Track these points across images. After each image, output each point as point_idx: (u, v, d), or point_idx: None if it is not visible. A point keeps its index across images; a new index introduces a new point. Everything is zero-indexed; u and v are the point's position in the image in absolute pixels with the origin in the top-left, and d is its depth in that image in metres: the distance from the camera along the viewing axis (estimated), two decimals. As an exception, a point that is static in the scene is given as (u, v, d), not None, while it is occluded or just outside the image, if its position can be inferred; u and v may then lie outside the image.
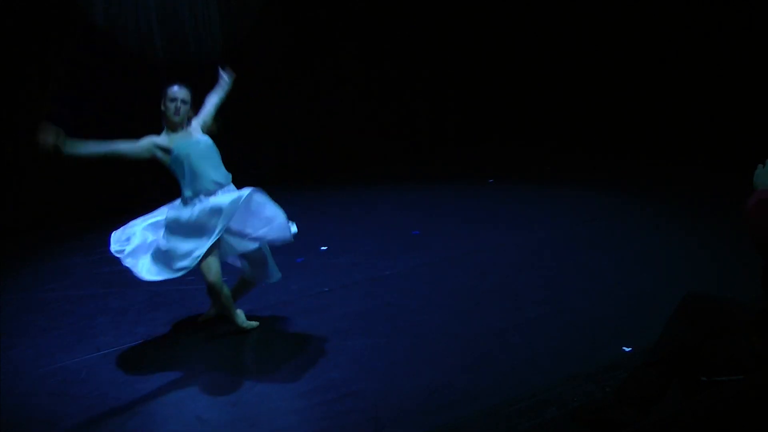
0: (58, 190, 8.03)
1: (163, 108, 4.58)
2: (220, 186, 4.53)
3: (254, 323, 4.64)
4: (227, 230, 4.32)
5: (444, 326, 4.48)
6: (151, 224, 4.65)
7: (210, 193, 4.48)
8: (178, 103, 4.53)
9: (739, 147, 8.15)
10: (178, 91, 4.58)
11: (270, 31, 9.13)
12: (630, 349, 3.86)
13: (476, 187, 8.51)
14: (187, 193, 4.54)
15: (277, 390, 3.76)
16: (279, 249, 6.40)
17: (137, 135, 6.94)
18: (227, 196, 4.38)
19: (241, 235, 4.43)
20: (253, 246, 4.50)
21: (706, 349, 2.69)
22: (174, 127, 4.58)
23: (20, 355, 4.44)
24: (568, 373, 3.65)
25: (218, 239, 4.30)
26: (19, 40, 7.68)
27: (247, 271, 4.75)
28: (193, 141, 4.58)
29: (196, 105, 4.78)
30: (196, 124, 4.66)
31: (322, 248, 6.37)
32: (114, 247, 4.49)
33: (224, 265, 4.54)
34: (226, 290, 4.43)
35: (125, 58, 8.31)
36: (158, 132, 4.72)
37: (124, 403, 3.72)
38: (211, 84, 8.88)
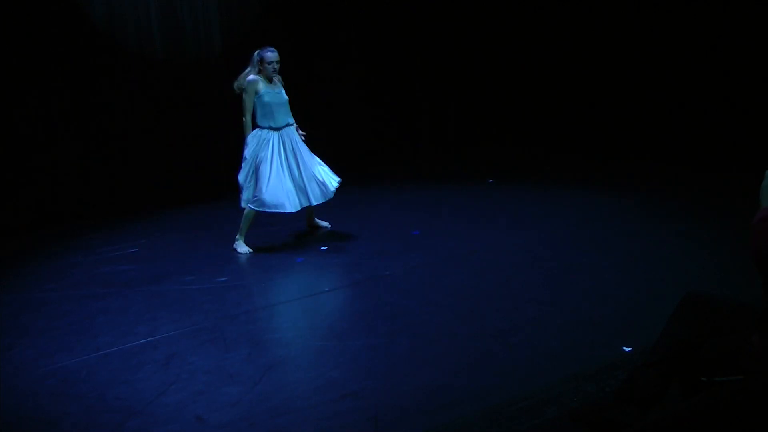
0: (58, 190, 8.03)
1: (260, 67, 6.24)
2: (288, 125, 6.35)
3: (247, 251, 6.31)
4: None
5: (444, 326, 4.48)
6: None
7: (278, 129, 6.27)
8: (275, 65, 6.24)
9: (739, 147, 8.16)
10: (274, 55, 6.24)
11: (269, 31, 9.13)
12: (630, 349, 3.86)
13: (476, 187, 8.51)
14: (263, 125, 6.27)
15: (276, 390, 3.76)
16: (279, 249, 6.43)
17: (134, 135, 6.87)
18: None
19: None
20: None
21: (706, 349, 2.69)
22: (269, 80, 6.26)
23: (20, 355, 4.44)
24: (568, 373, 3.65)
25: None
26: (19, 40, 7.68)
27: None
28: (277, 91, 6.31)
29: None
30: (279, 80, 6.37)
31: (322, 248, 6.37)
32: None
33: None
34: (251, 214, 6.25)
35: (125, 58, 8.32)
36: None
37: (124, 403, 3.72)
38: (210, 83, 8.90)
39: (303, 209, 6.48)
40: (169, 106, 8.61)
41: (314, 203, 6.36)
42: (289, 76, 6.60)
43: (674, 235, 6.04)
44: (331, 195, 6.43)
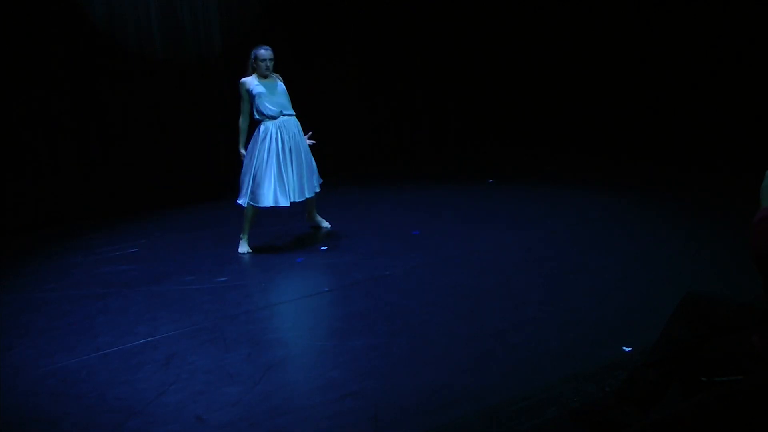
0: (58, 190, 8.03)
1: (254, 65, 6.22)
2: (284, 115, 6.28)
3: (247, 251, 6.34)
4: None
5: (444, 326, 4.48)
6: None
7: (274, 118, 6.21)
8: (268, 62, 6.21)
9: (739, 147, 8.16)
10: (267, 53, 6.21)
11: (269, 31, 9.13)
12: (630, 349, 3.86)
13: (476, 187, 8.51)
14: (258, 116, 6.24)
15: (276, 390, 3.76)
16: (279, 249, 6.43)
17: (134, 135, 6.79)
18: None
19: None
20: None
21: (706, 349, 2.69)
22: (264, 77, 6.24)
23: (20, 355, 4.44)
24: (568, 373, 3.65)
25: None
26: (19, 40, 7.68)
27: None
28: (272, 84, 6.28)
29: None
30: (277, 77, 6.35)
31: (322, 248, 6.37)
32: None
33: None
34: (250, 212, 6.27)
35: (125, 58, 8.32)
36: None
37: (124, 403, 3.72)
38: (210, 83, 8.90)
39: (303, 208, 6.48)
40: (169, 106, 8.61)
41: (297, 199, 6.29)
42: (289, 76, 6.60)
43: (674, 235, 6.04)
44: (315, 193, 6.50)
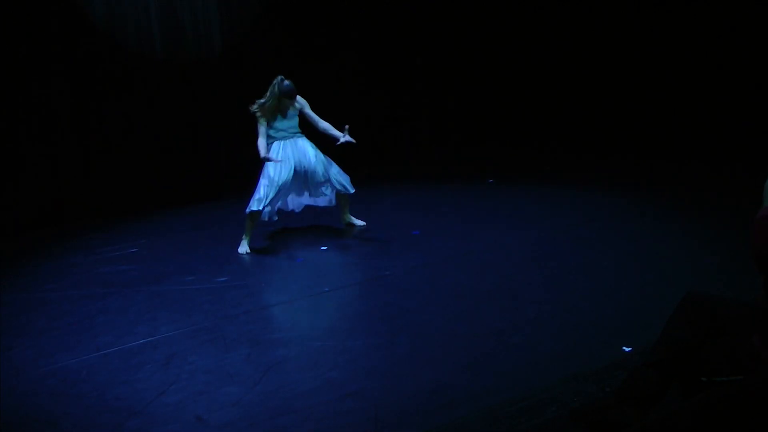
0: (58, 190, 8.03)
1: (278, 97, 6.23)
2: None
3: (247, 251, 6.29)
4: None
5: (444, 326, 4.48)
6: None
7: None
8: (296, 104, 6.36)
9: (739, 146, 8.16)
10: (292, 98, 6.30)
11: (269, 31, 9.14)
12: (630, 349, 3.86)
13: (476, 187, 8.51)
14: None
15: (276, 390, 3.76)
16: (279, 249, 6.43)
17: (134, 135, 6.76)
18: None
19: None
20: None
21: (706, 349, 2.69)
22: (283, 114, 6.38)
23: (20, 355, 4.44)
24: (568, 373, 3.65)
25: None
26: (19, 40, 7.68)
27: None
28: (289, 124, 6.45)
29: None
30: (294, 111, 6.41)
31: (322, 248, 6.37)
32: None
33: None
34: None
35: (125, 58, 8.32)
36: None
37: (124, 403, 3.72)
38: (210, 83, 8.89)
39: (337, 207, 6.81)
40: (169, 106, 8.60)
41: (271, 220, 6.50)
42: (289, 75, 6.58)
43: (674, 234, 6.04)
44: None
